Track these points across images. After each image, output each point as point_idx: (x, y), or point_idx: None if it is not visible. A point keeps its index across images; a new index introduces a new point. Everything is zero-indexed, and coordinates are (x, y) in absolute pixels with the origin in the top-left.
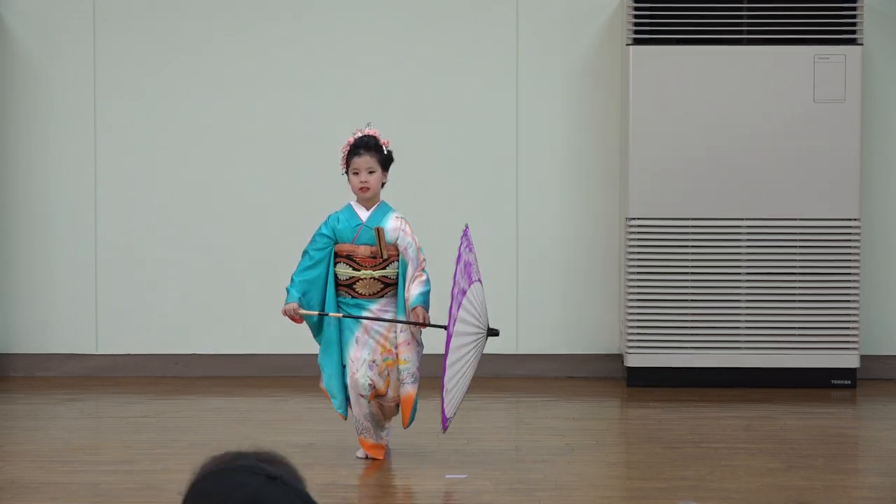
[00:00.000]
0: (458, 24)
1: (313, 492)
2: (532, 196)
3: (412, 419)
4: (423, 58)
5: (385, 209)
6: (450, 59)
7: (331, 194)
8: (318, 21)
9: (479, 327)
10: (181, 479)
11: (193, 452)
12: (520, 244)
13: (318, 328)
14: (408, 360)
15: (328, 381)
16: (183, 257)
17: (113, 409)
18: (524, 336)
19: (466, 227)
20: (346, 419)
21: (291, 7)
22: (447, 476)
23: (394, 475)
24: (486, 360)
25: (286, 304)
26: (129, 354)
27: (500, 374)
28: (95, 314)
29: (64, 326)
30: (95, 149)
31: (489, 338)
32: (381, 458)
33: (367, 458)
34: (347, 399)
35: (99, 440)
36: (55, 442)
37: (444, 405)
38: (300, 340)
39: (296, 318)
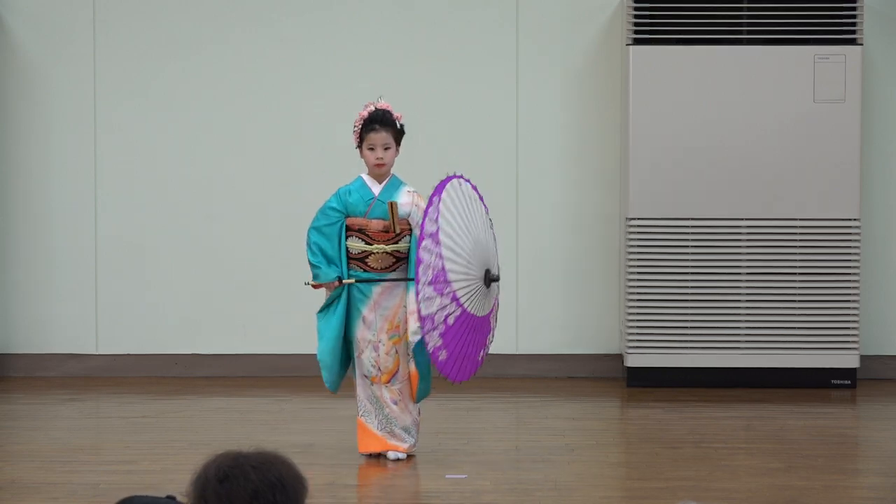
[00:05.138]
0: (458, 24)
1: (313, 492)
2: (532, 196)
3: (421, 393)
4: (422, 58)
5: (397, 183)
6: (450, 58)
7: (332, 194)
8: (318, 21)
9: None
10: (181, 479)
11: (193, 452)
12: (520, 244)
13: (335, 298)
14: (417, 333)
15: (322, 352)
16: (183, 257)
17: (113, 409)
18: (524, 336)
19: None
20: (333, 393)
21: (291, 7)
22: (447, 476)
23: (394, 475)
24: (486, 360)
25: (324, 281)
26: (129, 354)
27: (500, 374)
28: (95, 314)
29: (64, 326)
30: (95, 149)
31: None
32: (376, 451)
33: (398, 459)
34: (342, 375)
35: (99, 440)
36: (55, 442)
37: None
38: (300, 340)
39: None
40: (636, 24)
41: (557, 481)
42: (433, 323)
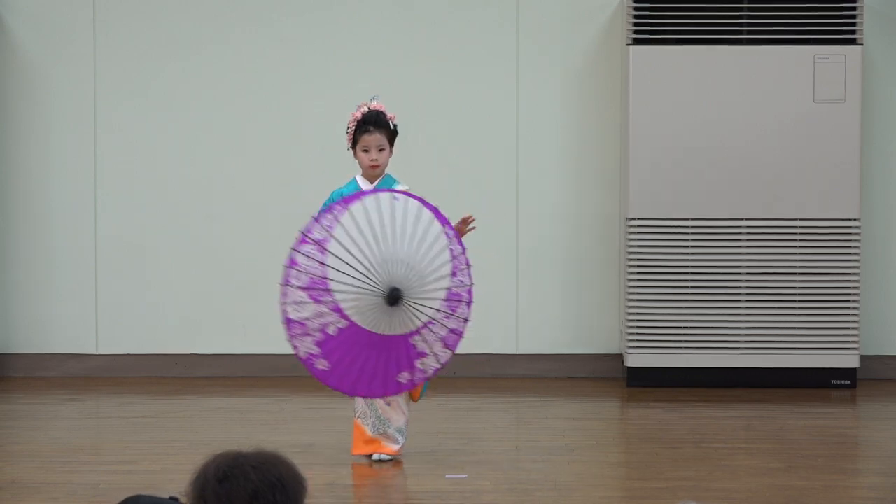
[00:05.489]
0: (458, 24)
1: (313, 492)
2: (532, 196)
3: (422, 393)
4: (422, 58)
5: (389, 182)
6: (450, 58)
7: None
8: (318, 21)
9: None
10: (181, 479)
11: (193, 452)
12: (520, 244)
13: None
14: None
15: None
16: (183, 257)
17: (113, 409)
18: (524, 336)
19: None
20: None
21: (291, 7)
22: (447, 476)
23: (394, 475)
24: (486, 360)
25: None
26: (129, 354)
27: (500, 374)
28: (95, 314)
29: (64, 326)
30: (95, 149)
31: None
32: (367, 453)
33: (382, 460)
34: None
35: (99, 440)
36: (55, 442)
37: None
38: None
39: None
40: (636, 24)
41: (557, 481)
42: (304, 328)
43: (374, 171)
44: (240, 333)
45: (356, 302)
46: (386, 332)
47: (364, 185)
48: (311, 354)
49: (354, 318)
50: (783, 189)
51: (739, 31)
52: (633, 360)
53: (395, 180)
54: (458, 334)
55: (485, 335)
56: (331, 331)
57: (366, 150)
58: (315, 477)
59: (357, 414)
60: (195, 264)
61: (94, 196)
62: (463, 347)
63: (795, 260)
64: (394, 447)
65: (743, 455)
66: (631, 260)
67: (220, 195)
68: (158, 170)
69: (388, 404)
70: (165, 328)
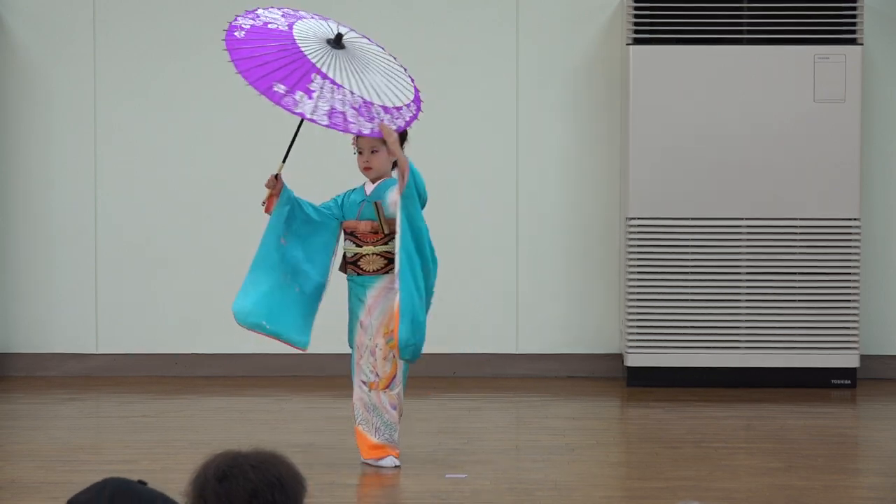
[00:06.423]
0: (459, 23)
1: (313, 491)
2: (532, 196)
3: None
4: (422, 57)
5: (389, 183)
6: (450, 58)
7: (333, 194)
8: None
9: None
10: (181, 479)
11: (193, 452)
12: (519, 244)
13: (282, 210)
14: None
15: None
16: (183, 257)
17: (113, 408)
18: (524, 336)
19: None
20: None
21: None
22: (447, 476)
23: (394, 475)
24: (486, 360)
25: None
26: (129, 354)
27: (500, 374)
28: (95, 314)
29: (64, 326)
30: (95, 149)
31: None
32: (378, 456)
33: (395, 466)
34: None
35: (99, 440)
36: (55, 442)
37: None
38: None
39: (273, 184)
40: (636, 24)
41: (557, 481)
42: (254, 16)
43: (368, 174)
44: (240, 333)
45: (303, 28)
46: (304, 49)
47: (367, 187)
48: (239, 25)
49: (294, 33)
50: (783, 189)
51: (739, 31)
52: (633, 360)
53: (395, 181)
54: (361, 126)
55: (485, 335)
56: (264, 19)
57: (360, 153)
58: (315, 477)
59: (358, 421)
60: (195, 264)
61: (94, 196)
62: (463, 347)
63: (795, 260)
64: (397, 451)
65: (743, 455)
66: (631, 260)
67: (221, 195)
68: (158, 170)
69: (395, 408)
70: (165, 328)
